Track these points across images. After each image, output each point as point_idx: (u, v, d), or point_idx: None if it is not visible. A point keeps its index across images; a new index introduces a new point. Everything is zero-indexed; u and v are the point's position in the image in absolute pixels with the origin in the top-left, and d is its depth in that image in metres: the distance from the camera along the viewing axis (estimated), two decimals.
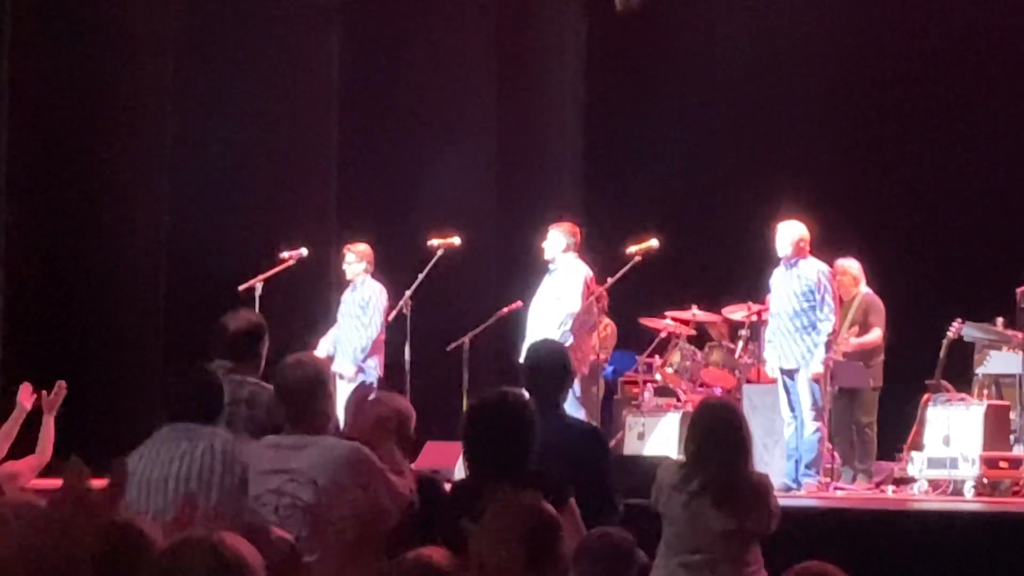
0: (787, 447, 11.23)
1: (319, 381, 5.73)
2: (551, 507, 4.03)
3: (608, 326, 12.94)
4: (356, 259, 11.83)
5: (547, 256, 11.52)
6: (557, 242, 11.51)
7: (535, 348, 6.96)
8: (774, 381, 11.53)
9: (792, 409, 11.20)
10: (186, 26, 12.95)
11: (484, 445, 5.52)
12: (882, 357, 12.09)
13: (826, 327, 11.08)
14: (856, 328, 12.05)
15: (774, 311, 11.43)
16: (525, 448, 5.48)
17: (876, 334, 11.99)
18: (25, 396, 8.21)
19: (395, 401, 6.15)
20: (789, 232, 11.25)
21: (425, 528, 5.29)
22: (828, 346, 11.11)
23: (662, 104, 14.94)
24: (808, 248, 11.28)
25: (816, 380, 11.08)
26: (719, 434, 6.23)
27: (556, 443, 5.93)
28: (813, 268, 11.20)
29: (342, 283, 12.08)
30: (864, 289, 12.15)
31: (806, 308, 11.13)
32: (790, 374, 11.23)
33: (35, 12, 12.21)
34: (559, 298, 11.41)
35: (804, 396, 11.10)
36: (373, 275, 11.84)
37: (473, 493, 5.15)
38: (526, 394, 6.10)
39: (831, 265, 11.64)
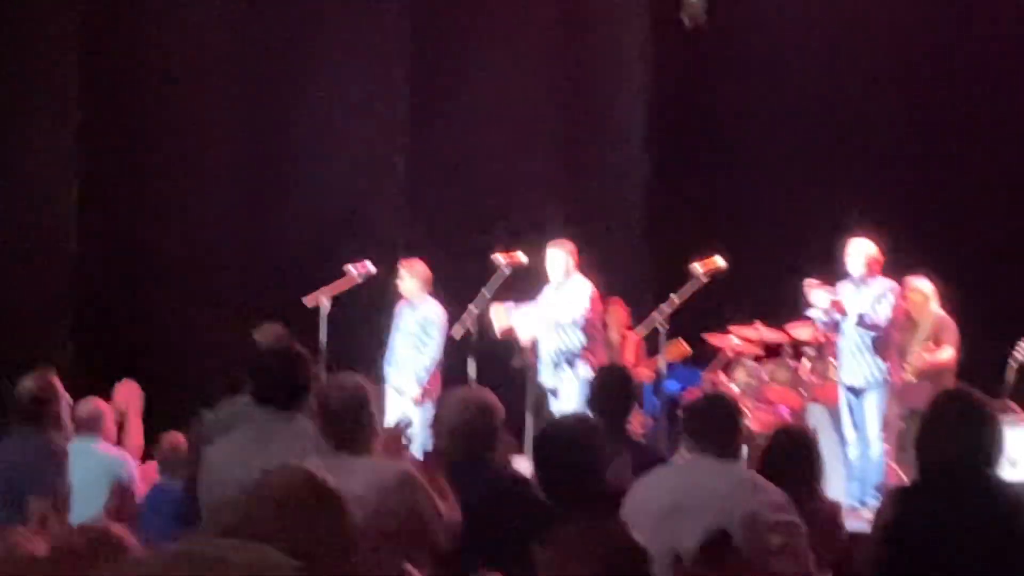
0: (851, 467, 11.18)
1: (363, 402, 5.72)
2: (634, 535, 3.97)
3: (637, 341, 12.83)
4: (410, 276, 11.81)
5: (554, 276, 11.51)
6: (561, 261, 11.50)
7: (602, 372, 7.00)
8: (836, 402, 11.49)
9: (856, 428, 11.15)
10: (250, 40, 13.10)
11: (556, 470, 5.52)
12: (953, 379, 11.98)
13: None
14: (930, 345, 11.95)
15: (843, 328, 11.35)
16: (596, 473, 5.48)
17: (948, 353, 11.86)
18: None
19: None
20: (862, 249, 11.21)
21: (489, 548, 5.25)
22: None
23: (728, 118, 14.91)
24: (879, 267, 11.23)
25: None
26: (794, 460, 6.18)
27: (624, 467, 5.96)
28: (883, 286, 11.16)
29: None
30: (936, 309, 12.03)
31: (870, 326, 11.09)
32: (856, 392, 11.17)
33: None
34: (571, 316, 11.40)
35: (871, 416, 11.05)
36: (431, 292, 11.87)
37: (544, 517, 5.12)
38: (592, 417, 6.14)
39: (900, 283, 11.60)
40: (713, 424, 5.76)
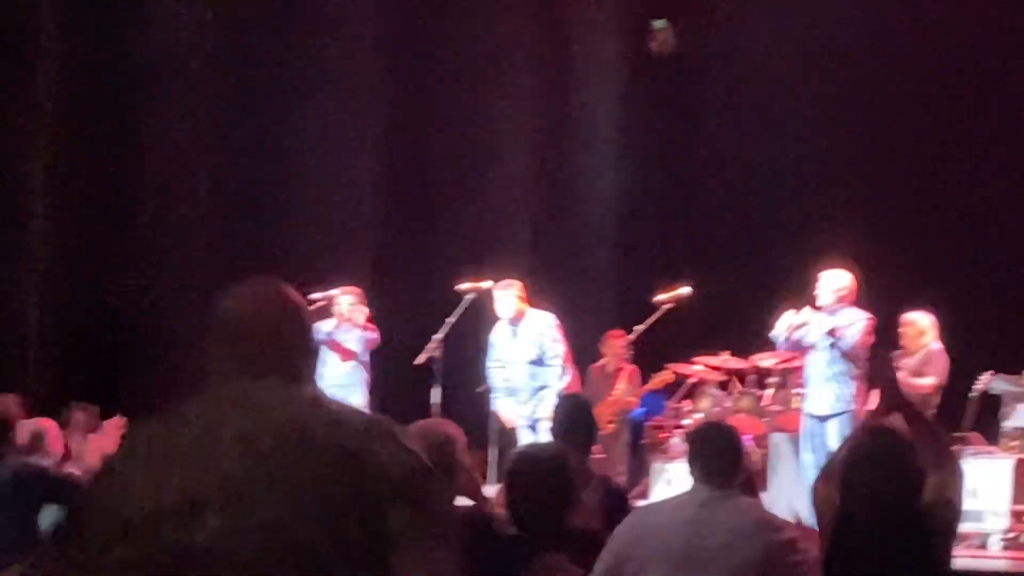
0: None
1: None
2: None
3: (632, 371, 12.96)
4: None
5: (508, 316, 11.50)
6: (512, 301, 11.51)
7: (563, 405, 7.02)
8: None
9: (813, 453, 11.17)
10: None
11: (531, 502, 5.47)
12: (933, 411, 11.97)
13: (852, 372, 11.08)
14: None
15: (811, 358, 11.39)
16: (571, 506, 5.45)
17: (927, 380, 11.76)
18: None
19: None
20: (832, 281, 11.23)
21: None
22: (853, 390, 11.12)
23: (696, 150, 15.00)
24: (852, 298, 11.23)
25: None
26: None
27: (590, 502, 5.99)
28: (849, 316, 11.19)
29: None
30: (933, 344, 11.90)
31: (839, 356, 11.14)
32: (820, 420, 11.22)
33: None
34: (543, 350, 11.44)
35: (833, 443, 11.09)
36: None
37: (516, 549, 5.12)
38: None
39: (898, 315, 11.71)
40: (719, 455, 5.78)
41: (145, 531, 2.87)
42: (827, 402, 11.14)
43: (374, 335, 11.79)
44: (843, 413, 11.06)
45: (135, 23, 12.81)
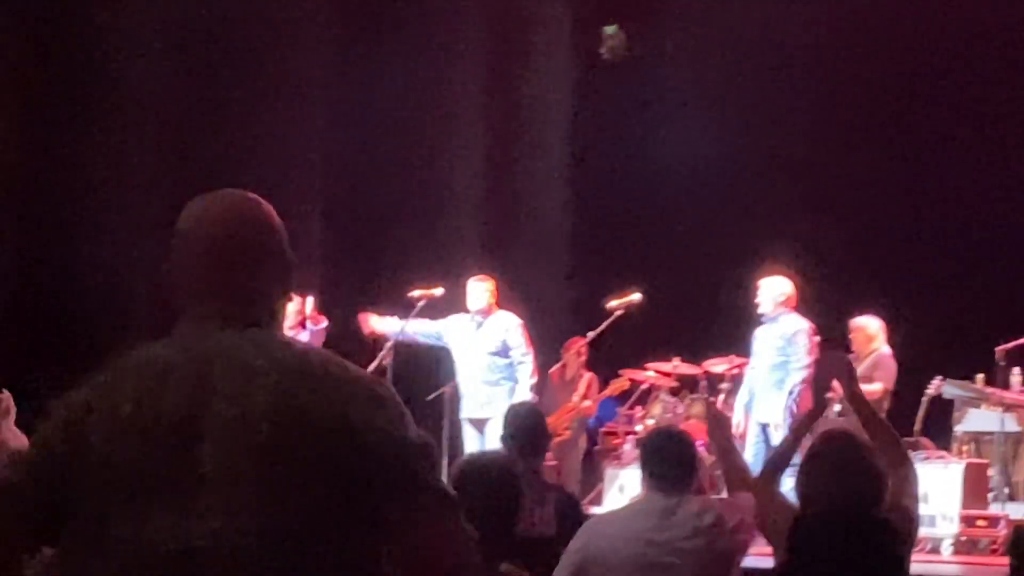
0: None
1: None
2: None
3: (591, 379, 12.95)
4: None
5: (477, 308, 11.49)
6: (484, 295, 11.51)
7: (514, 412, 6.98)
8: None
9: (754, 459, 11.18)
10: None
11: (475, 510, 5.44)
12: (883, 416, 11.98)
13: (794, 380, 11.09)
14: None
15: (753, 364, 11.46)
16: (515, 512, 5.43)
17: (875, 387, 11.80)
18: None
19: None
20: (771, 288, 11.30)
21: None
22: (793, 397, 11.11)
23: (647, 157, 15.00)
24: (792, 304, 11.31)
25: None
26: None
27: (540, 510, 5.97)
28: (791, 324, 11.23)
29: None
30: (882, 348, 12.00)
31: (780, 363, 11.17)
32: (765, 428, 11.23)
33: None
34: (508, 352, 11.40)
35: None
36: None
37: None
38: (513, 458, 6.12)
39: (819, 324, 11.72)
40: (675, 460, 5.79)
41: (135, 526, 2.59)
42: (771, 410, 11.16)
43: (323, 323, 11.60)
44: (787, 423, 11.08)
45: None
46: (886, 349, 11.92)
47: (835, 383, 5.92)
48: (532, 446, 6.58)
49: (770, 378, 11.20)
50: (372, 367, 11.84)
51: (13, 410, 8.96)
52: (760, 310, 11.30)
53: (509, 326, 11.47)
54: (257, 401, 2.61)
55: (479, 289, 11.50)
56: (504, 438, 6.82)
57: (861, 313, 12.11)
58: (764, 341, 11.31)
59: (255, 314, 2.74)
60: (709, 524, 5.65)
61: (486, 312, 11.48)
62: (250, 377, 2.63)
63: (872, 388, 11.87)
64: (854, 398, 5.65)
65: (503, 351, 11.40)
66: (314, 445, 2.59)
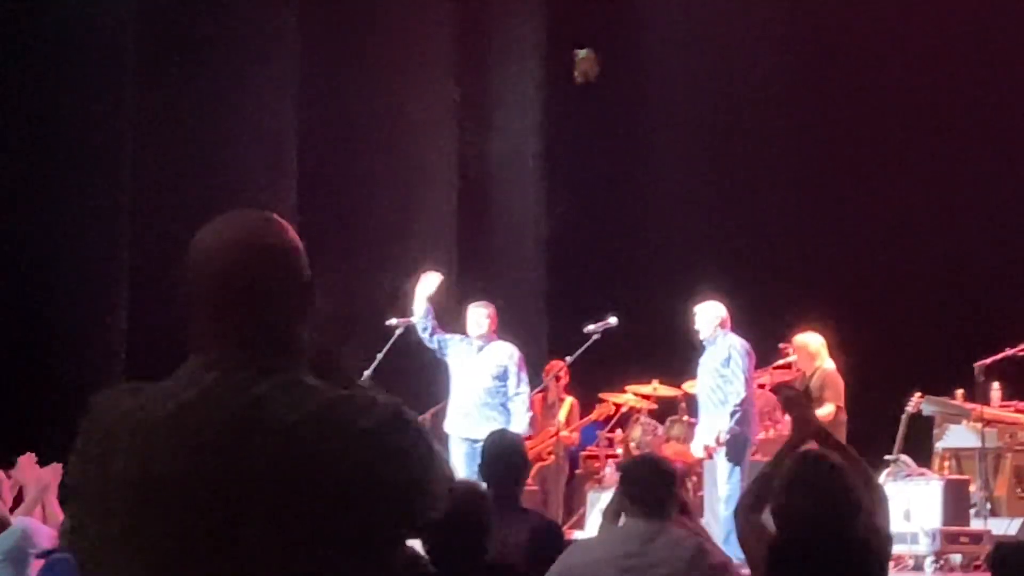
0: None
1: None
2: None
3: (572, 404, 12.94)
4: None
5: (477, 333, 11.40)
6: (484, 321, 11.42)
7: (492, 440, 6.94)
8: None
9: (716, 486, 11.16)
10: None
11: (439, 537, 5.42)
12: (841, 432, 12.00)
13: (733, 399, 11.08)
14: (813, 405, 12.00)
15: (698, 390, 11.42)
16: (481, 542, 5.41)
17: (828, 409, 11.74)
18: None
19: None
20: (706, 312, 11.29)
21: None
22: (736, 417, 11.07)
23: (622, 177, 15.02)
24: (726, 325, 11.30)
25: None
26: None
27: (516, 538, 5.93)
28: (726, 344, 11.23)
29: None
30: (826, 364, 11.90)
31: (720, 384, 11.16)
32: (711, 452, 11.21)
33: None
34: (508, 376, 11.33)
35: (721, 472, 11.07)
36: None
37: None
38: (483, 486, 6.08)
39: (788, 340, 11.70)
40: (652, 488, 5.74)
41: None
42: (713, 431, 11.12)
43: None
44: (730, 444, 11.03)
45: None
46: (830, 365, 11.79)
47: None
48: (509, 474, 6.54)
49: (711, 400, 11.19)
50: None
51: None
52: (700, 336, 11.30)
53: (509, 356, 11.39)
54: (297, 462, 2.43)
55: (479, 315, 11.42)
56: (481, 466, 6.78)
57: (800, 331, 12.06)
58: (705, 365, 11.29)
59: (282, 356, 2.52)
60: (689, 556, 5.61)
61: (486, 338, 11.41)
62: (289, 436, 2.43)
63: (824, 412, 11.83)
64: (810, 429, 5.64)
65: (503, 377, 11.34)
66: (351, 501, 2.44)
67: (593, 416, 12.94)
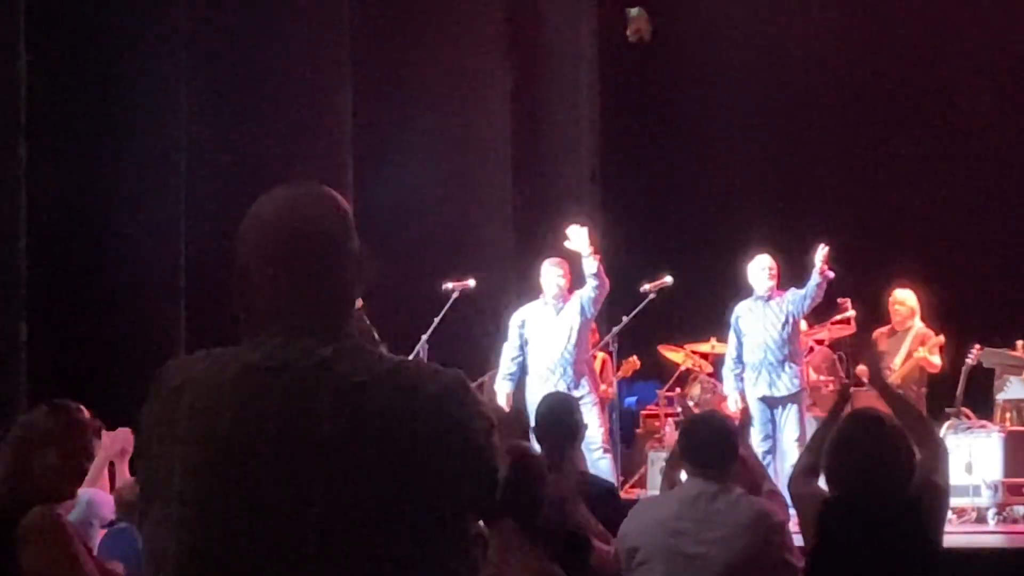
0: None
1: None
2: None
3: (604, 359, 12.79)
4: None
5: (553, 293, 11.09)
6: (560, 280, 11.11)
7: (546, 402, 6.98)
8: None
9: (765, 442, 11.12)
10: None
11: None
12: (926, 388, 11.99)
13: (795, 353, 11.10)
14: (912, 360, 11.95)
15: (757, 343, 11.34)
16: (535, 506, 5.40)
17: (938, 359, 11.85)
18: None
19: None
20: (762, 265, 11.28)
21: None
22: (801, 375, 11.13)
23: (675, 137, 14.99)
24: (776, 279, 11.29)
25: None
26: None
27: (572, 500, 5.97)
28: (786, 299, 11.21)
29: None
30: (918, 323, 12.02)
31: (787, 338, 11.15)
32: (774, 404, 11.17)
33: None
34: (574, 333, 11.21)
35: (791, 426, 11.06)
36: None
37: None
38: (536, 447, 6.12)
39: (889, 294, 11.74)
40: (710, 447, 5.73)
41: None
42: (782, 385, 11.12)
43: None
44: (794, 396, 11.03)
45: None
46: (921, 324, 11.94)
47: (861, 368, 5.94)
48: (563, 436, 6.57)
49: (775, 355, 11.16)
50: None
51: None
52: (756, 288, 11.28)
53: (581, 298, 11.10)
54: (366, 420, 2.47)
55: (555, 273, 11.11)
56: (536, 428, 6.81)
57: (900, 286, 12.07)
58: (762, 319, 11.24)
59: (342, 324, 2.57)
60: (749, 517, 5.61)
61: (563, 297, 11.11)
62: (358, 394, 2.48)
63: (936, 361, 11.82)
64: (878, 382, 5.63)
65: (583, 329, 11.04)
66: (418, 461, 2.48)
67: (621, 373, 12.82)
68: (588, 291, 10.98)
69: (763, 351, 11.22)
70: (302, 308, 2.55)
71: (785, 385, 11.14)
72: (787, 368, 11.17)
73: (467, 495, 2.53)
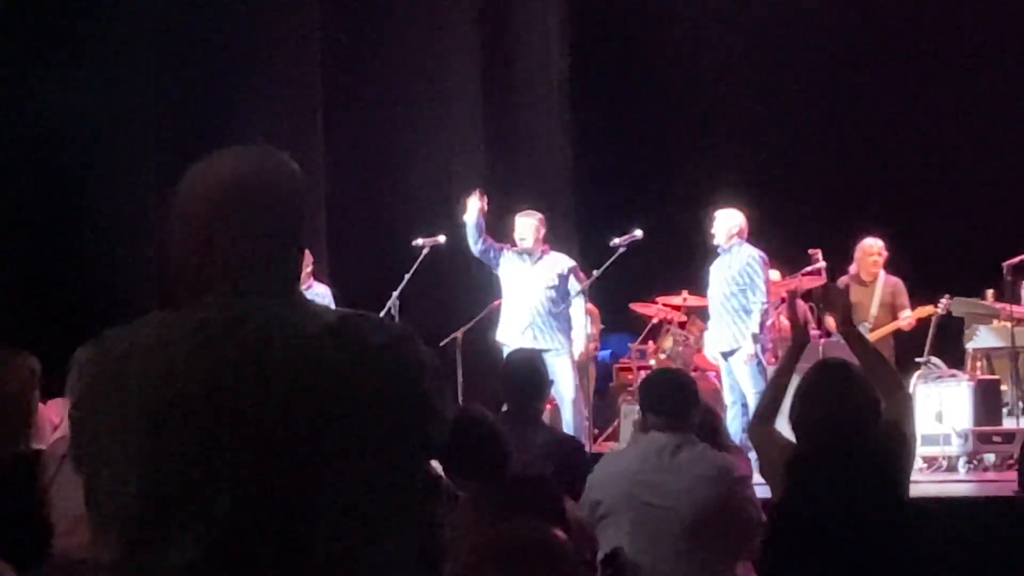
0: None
1: None
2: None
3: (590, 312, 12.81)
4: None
5: (528, 245, 11.06)
6: (534, 231, 11.10)
7: (510, 358, 7.00)
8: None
9: (732, 393, 11.16)
10: None
11: (456, 458, 5.41)
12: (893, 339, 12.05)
13: (757, 309, 11.09)
14: (885, 309, 12.00)
15: (710, 296, 11.39)
16: (499, 459, 5.38)
17: (909, 314, 11.94)
18: None
19: None
20: (725, 220, 11.30)
21: None
22: (763, 327, 11.11)
23: (648, 94, 14.97)
24: (744, 235, 11.28)
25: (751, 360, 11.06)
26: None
27: (535, 453, 5.99)
28: (743, 253, 11.22)
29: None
30: (883, 273, 12.14)
31: (736, 292, 11.15)
32: (726, 357, 11.21)
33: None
34: (567, 286, 11.17)
35: (744, 379, 11.07)
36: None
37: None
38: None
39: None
40: (673, 398, 5.83)
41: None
42: (728, 338, 11.13)
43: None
44: (748, 347, 11.04)
45: None
46: (884, 273, 12.04)
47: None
48: (528, 391, 6.58)
49: (727, 307, 11.18)
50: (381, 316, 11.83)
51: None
52: (715, 242, 11.30)
53: (566, 267, 11.15)
54: (318, 371, 2.49)
55: (529, 225, 11.10)
56: (504, 385, 6.81)
57: (867, 235, 12.11)
58: (718, 273, 11.28)
59: (289, 281, 2.60)
60: (713, 472, 5.65)
61: (539, 250, 11.10)
62: (309, 346, 2.50)
63: (909, 316, 11.88)
64: (846, 330, 5.64)
65: (560, 288, 11.10)
66: (369, 410, 2.51)
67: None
68: (575, 283, 11.13)
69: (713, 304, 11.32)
70: (255, 265, 2.57)
71: (735, 338, 11.13)
72: (733, 322, 11.17)
73: (418, 440, 2.56)
